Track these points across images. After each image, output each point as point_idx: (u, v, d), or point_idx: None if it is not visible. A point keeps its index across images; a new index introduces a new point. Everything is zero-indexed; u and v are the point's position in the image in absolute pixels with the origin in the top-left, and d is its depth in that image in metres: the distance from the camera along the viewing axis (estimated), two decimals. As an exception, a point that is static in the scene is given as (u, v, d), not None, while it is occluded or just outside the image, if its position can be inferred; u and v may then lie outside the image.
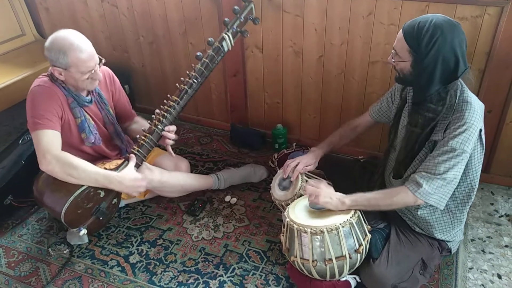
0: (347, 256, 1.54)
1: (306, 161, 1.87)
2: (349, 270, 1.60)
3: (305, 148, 2.54)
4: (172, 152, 2.00)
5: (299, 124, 2.61)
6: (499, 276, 1.81)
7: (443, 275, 1.81)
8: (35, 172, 1.83)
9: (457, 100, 1.47)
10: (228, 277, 1.84)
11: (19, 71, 2.65)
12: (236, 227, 2.09)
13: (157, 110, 1.94)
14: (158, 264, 1.92)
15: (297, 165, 1.86)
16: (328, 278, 1.61)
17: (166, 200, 2.25)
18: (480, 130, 1.50)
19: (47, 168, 1.74)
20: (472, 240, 1.98)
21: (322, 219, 1.59)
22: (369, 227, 1.67)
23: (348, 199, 1.60)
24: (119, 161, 1.94)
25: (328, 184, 1.74)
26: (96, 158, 2.02)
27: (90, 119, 1.93)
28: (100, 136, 1.97)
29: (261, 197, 2.27)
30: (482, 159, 1.58)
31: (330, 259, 1.54)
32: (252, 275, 1.85)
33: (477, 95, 1.56)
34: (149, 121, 1.96)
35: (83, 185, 1.78)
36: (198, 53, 1.94)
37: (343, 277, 1.65)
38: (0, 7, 2.83)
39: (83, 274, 1.89)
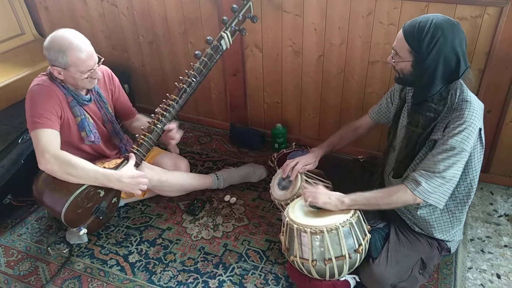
0: (347, 256, 1.54)
1: (305, 160, 1.87)
2: (348, 270, 1.60)
3: (304, 148, 2.54)
4: (177, 149, 2.00)
5: (299, 124, 2.61)
6: (498, 276, 1.81)
7: (442, 274, 1.81)
8: (35, 171, 1.83)
9: (456, 99, 1.47)
10: (227, 276, 1.84)
11: (18, 70, 2.65)
12: (236, 226, 2.09)
13: (156, 109, 1.95)
14: (157, 263, 1.92)
15: (296, 165, 1.86)
16: (327, 277, 1.61)
17: (166, 199, 2.25)
18: (480, 129, 1.50)
19: (46, 167, 1.74)
20: (471, 240, 1.98)
21: (321, 218, 1.59)
22: (369, 227, 1.67)
23: (347, 198, 1.60)
24: (119, 160, 1.94)
25: (327, 186, 1.74)
26: (96, 157, 2.02)
27: (90, 117, 1.94)
28: (99, 135, 1.97)
29: (261, 196, 2.27)
30: (482, 158, 1.58)
31: (330, 259, 1.54)
32: (252, 274, 1.85)
33: (476, 95, 1.56)
34: (148, 120, 1.96)
35: (83, 185, 1.78)
36: (196, 52, 1.94)
37: (342, 277, 1.65)
38: (-1, 6, 2.83)
39: (83, 273, 1.89)
